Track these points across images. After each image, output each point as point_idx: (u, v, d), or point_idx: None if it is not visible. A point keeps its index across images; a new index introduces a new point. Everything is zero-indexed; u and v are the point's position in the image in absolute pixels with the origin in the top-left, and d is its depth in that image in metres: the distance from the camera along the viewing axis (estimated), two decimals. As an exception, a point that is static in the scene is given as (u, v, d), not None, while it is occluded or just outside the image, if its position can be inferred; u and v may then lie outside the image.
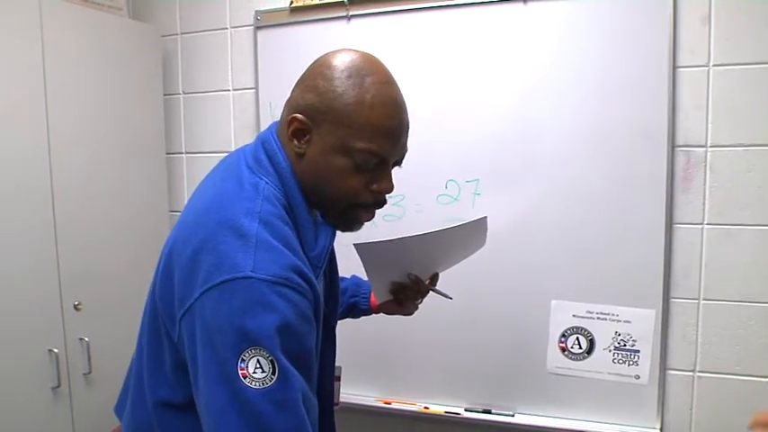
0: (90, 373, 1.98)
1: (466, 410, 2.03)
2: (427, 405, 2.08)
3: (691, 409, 1.89)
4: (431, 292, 1.44)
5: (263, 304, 0.88)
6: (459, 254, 1.49)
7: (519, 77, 1.91)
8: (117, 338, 1.94)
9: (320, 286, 1.06)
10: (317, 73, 1.03)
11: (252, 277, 0.88)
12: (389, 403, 2.11)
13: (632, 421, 1.90)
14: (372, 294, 1.49)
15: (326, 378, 1.15)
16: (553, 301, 1.92)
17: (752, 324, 1.81)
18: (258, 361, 0.86)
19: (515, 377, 1.99)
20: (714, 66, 1.79)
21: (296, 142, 1.04)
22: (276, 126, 1.11)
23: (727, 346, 1.84)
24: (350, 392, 2.10)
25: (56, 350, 1.86)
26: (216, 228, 0.94)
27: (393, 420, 2.19)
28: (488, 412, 2.01)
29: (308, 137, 1.03)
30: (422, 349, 2.07)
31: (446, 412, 2.05)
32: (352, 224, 1.10)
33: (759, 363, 1.80)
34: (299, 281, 0.93)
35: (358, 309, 1.52)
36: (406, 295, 1.41)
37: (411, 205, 2.03)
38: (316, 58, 1.07)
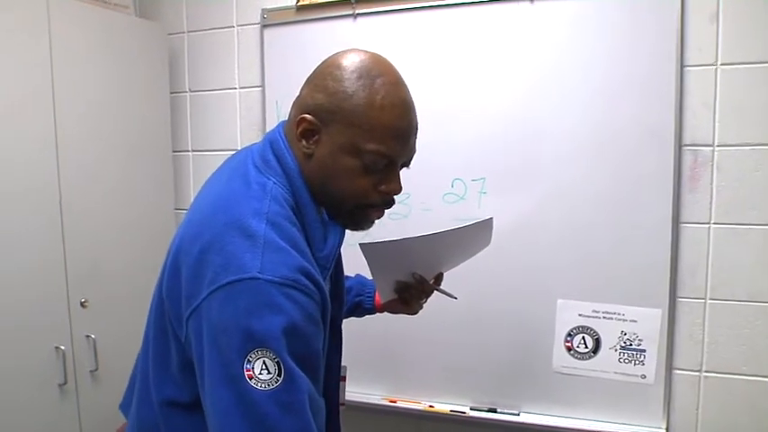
0: (96, 370, 1.99)
1: (471, 409, 2.03)
2: (432, 404, 2.08)
3: (697, 409, 1.89)
4: (435, 291, 1.44)
5: (269, 305, 0.88)
6: (465, 254, 1.49)
7: (525, 76, 1.91)
8: (123, 336, 1.94)
9: (327, 287, 1.06)
10: (327, 73, 1.03)
11: (259, 278, 0.88)
12: (395, 402, 2.11)
13: (638, 421, 1.90)
14: (377, 293, 1.49)
15: (332, 378, 1.15)
16: (559, 301, 1.92)
17: (759, 324, 1.80)
18: (264, 362, 0.86)
19: (521, 376, 1.99)
20: (722, 65, 1.78)
21: (304, 143, 1.04)
22: (283, 125, 1.11)
23: (733, 345, 1.83)
24: (356, 391, 2.10)
25: (62, 347, 1.87)
26: (223, 228, 0.94)
27: (398, 419, 2.19)
28: (494, 411, 2.01)
29: (316, 137, 1.03)
30: (427, 348, 2.07)
31: (451, 411, 2.04)
32: (362, 223, 1.10)
33: (766, 362, 1.79)
34: (307, 282, 0.93)
35: (362, 308, 1.52)
36: (410, 294, 1.41)
37: (417, 204, 2.02)
38: (324, 58, 1.07)
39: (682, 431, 1.90)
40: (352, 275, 1.54)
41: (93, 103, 2.01)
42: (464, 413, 2.03)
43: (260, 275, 0.88)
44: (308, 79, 1.07)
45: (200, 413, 0.95)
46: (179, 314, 0.96)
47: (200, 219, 0.99)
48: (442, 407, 2.06)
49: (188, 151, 2.45)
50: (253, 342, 0.86)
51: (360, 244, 1.18)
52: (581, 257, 1.89)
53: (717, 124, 1.79)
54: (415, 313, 1.48)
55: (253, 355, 0.86)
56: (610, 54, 1.83)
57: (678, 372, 1.89)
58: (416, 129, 1.07)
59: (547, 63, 1.88)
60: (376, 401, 2.13)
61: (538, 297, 1.93)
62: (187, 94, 2.43)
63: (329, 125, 1.01)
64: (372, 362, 2.13)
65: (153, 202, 2.27)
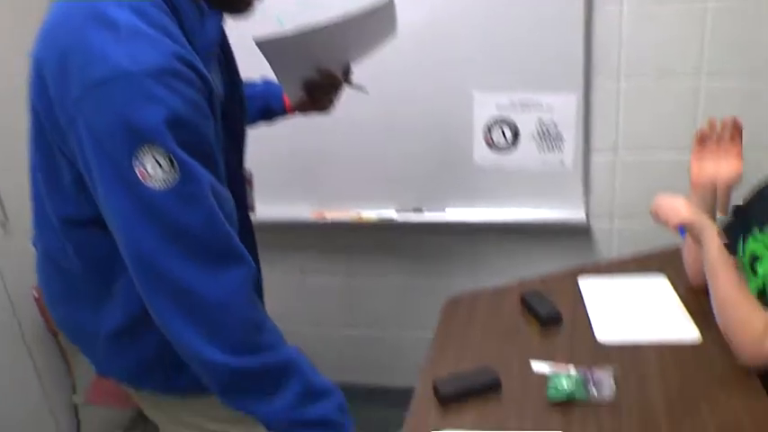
0: (7, 221, 1.90)
1: (397, 212, 2.06)
2: (360, 213, 2.09)
3: (613, 190, 1.96)
4: (345, 86, 1.38)
5: (147, 97, 0.81)
6: (370, 43, 1.40)
7: None
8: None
9: (218, 82, 0.99)
10: None
11: (131, 72, 0.80)
12: (323, 215, 2.12)
13: (559, 207, 1.97)
14: (285, 95, 1.41)
15: (235, 179, 1.10)
16: (475, 93, 1.89)
17: (672, 100, 1.83)
18: (155, 158, 0.81)
19: (444, 175, 2.01)
20: None
21: None
22: None
23: (647, 125, 1.87)
24: (283, 209, 2.09)
25: (-37, 201, 1.77)
26: (82, 23, 0.84)
27: (329, 233, 2.22)
28: (419, 211, 2.04)
29: None
30: (349, 160, 2.05)
31: (379, 218, 2.07)
32: (240, 5, 1.00)
33: (679, 139, 1.83)
34: (184, 68, 0.85)
35: (271, 111, 1.45)
36: (319, 91, 1.34)
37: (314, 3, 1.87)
38: None
39: (600, 213, 1.99)
40: (259, 81, 1.45)
41: None
42: (392, 219, 2.06)
43: (131, 68, 0.80)
44: None
45: (103, 227, 0.91)
46: (58, 128, 0.88)
47: (56, 19, 0.89)
48: (370, 215, 2.08)
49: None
50: (137, 139, 0.81)
51: (254, 40, 1.08)
52: (495, 47, 1.83)
53: None
54: (327, 111, 1.41)
55: (140, 153, 0.81)
56: None
57: (595, 155, 1.93)
58: None
59: None
60: (305, 218, 2.13)
61: (453, 92, 1.90)
62: None
63: None
64: (296, 179, 2.10)
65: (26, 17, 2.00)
